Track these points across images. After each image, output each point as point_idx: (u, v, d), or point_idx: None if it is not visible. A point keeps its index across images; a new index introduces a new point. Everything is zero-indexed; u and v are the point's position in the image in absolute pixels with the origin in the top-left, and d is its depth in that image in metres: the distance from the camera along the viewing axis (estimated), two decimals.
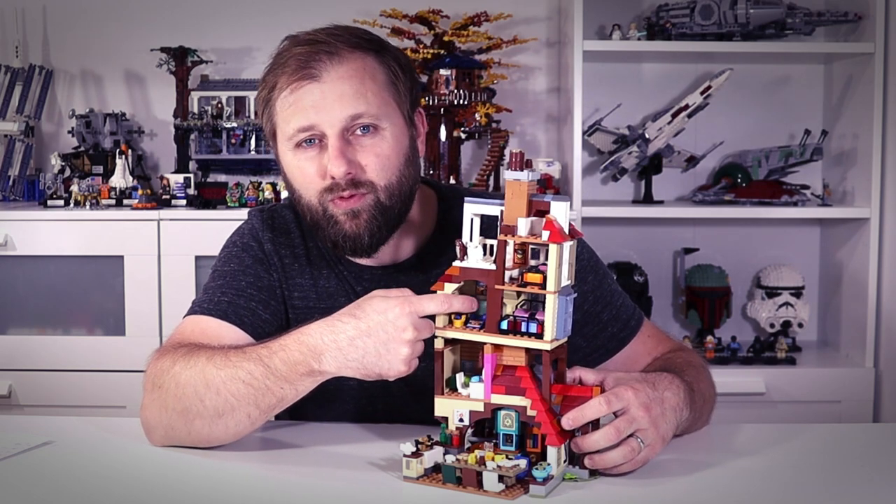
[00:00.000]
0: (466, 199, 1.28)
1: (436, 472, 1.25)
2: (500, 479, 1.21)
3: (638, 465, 1.28)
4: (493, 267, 1.24)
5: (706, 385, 1.50)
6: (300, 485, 1.28)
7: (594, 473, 1.27)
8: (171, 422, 1.39)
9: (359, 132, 1.47)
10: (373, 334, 1.28)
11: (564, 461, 1.25)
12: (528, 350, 1.24)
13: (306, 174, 1.49)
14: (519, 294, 1.25)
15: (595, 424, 1.26)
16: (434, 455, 1.26)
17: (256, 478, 1.32)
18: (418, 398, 1.44)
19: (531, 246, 1.25)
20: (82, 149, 3.07)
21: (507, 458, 1.21)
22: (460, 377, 1.28)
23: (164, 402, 1.38)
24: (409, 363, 1.29)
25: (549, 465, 1.21)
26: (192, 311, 1.55)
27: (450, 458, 1.23)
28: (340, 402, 1.59)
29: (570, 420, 1.24)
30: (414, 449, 1.25)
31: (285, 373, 1.32)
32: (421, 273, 1.57)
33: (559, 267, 1.21)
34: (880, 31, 2.82)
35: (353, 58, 1.48)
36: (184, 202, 2.87)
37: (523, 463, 1.21)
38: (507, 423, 1.25)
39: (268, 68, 1.52)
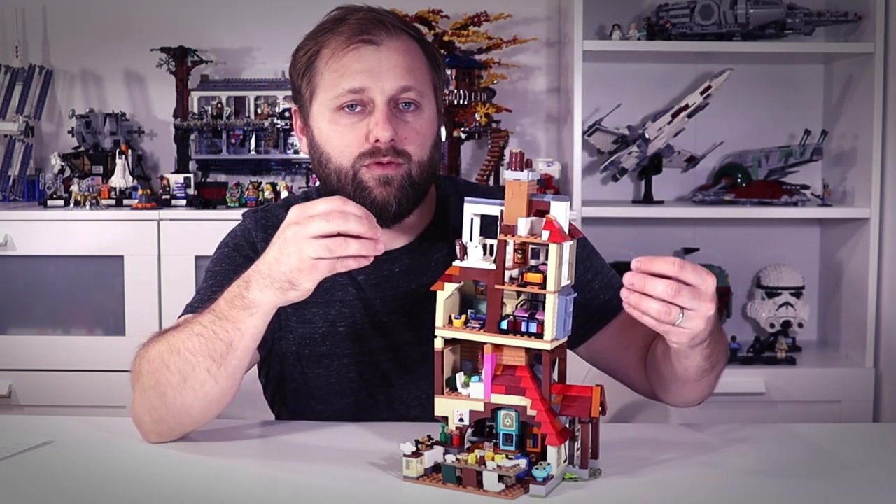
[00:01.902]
0: (466, 199, 1.28)
1: (436, 472, 1.25)
2: (500, 478, 1.21)
3: (660, 330, 1.26)
4: (493, 267, 1.24)
5: (723, 356, 1.51)
6: (300, 484, 1.28)
7: (594, 473, 1.27)
8: (151, 402, 1.39)
9: (402, 107, 1.51)
10: (275, 244, 1.31)
11: (564, 461, 1.25)
12: (528, 350, 1.24)
13: (344, 137, 1.51)
14: (519, 294, 1.25)
15: (595, 429, 1.26)
16: (434, 455, 1.26)
17: (256, 477, 1.32)
18: (417, 384, 1.44)
19: (531, 246, 1.25)
20: (82, 149, 3.07)
21: (507, 458, 1.21)
22: (460, 377, 1.28)
23: (143, 385, 1.40)
24: (308, 262, 1.27)
25: (549, 464, 1.21)
26: (184, 313, 1.57)
27: (450, 458, 1.23)
28: (341, 396, 1.59)
29: (638, 263, 1.23)
30: (414, 449, 1.25)
31: (226, 311, 1.34)
32: (421, 255, 1.58)
33: (559, 267, 1.21)
34: (880, 31, 2.82)
35: (405, 37, 1.53)
36: (184, 202, 2.87)
37: (523, 463, 1.21)
38: (507, 423, 1.25)
39: (312, 34, 1.55)
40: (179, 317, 1.56)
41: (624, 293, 1.24)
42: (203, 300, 1.55)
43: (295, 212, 1.29)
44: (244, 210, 1.72)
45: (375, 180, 1.50)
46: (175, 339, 1.38)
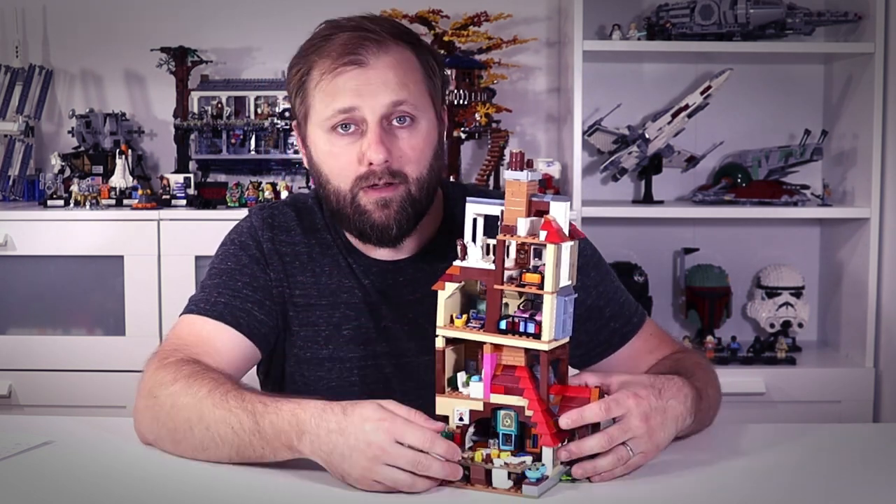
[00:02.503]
0: (468, 199, 1.28)
1: None
2: (508, 475, 1.21)
3: (629, 471, 1.28)
4: (493, 267, 1.24)
5: (714, 390, 1.50)
6: (302, 485, 1.28)
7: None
8: (160, 433, 1.39)
9: (396, 122, 1.49)
10: (346, 435, 1.24)
11: (562, 462, 1.25)
12: (527, 350, 1.24)
13: (340, 160, 1.50)
14: (521, 294, 1.25)
15: (595, 427, 1.27)
16: None
17: (257, 478, 1.32)
18: (419, 392, 1.44)
19: (533, 246, 1.25)
20: (82, 149, 3.07)
21: (511, 455, 1.22)
22: (461, 376, 1.28)
23: (158, 415, 1.39)
24: (369, 481, 1.22)
25: (542, 465, 1.21)
26: (188, 310, 1.55)
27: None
28: (340, 400, 1.59)
29: (568, 420, 1.24)
30: None
31: (270, 437, 1.29)
32: (427, 265, 1.57)
33: (557, 267, 1.21)
34: (880, 31, 2.82)
35: (396, 49, 1.50)
36: (184, 202, 2.87)
37: (529, 460, 1.22)
38: (506, 423, 1.25)
39: (302, 51, 1.53)
40: (181, 315, 1.56)
41: (576, 471, 1.25)
42: (209, 300, 1.54)
43: (382, 432, 1.21)
44: (250, 208, 1.71)
45: (374, 204, 1.49)
46: (208, 411, 1.33)
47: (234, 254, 1.60)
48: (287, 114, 2.99)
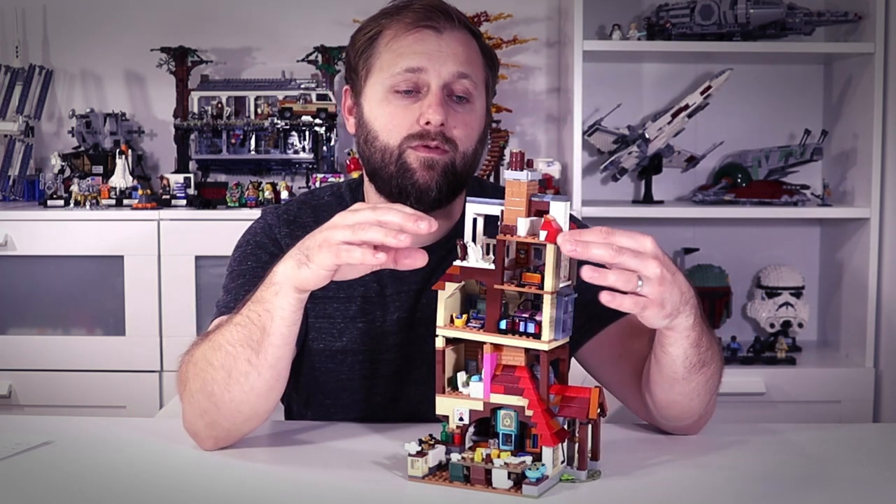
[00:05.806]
0: (468, 199, 1.28)
1: (440, 471, 1.25)
2: (508, 475, 1.21)
3: (638, 308, 1.24)
4: (493, 266, 1.24)
5: (716, 352, 1.47)
6: (304, 485, 1.28)
7: (593, 475, 1.27)
8: (200, 406, 1.38)
9: (455, 99, 1.53)
10: (314, 233, 1.30)
11: (563, 462, 1.25)
12: (527, 350, 1.24)
13: (395, 117, 1.52)
14: (521, 294, 1.25)
15: (587, 427, 1.26)
16: (437, 454, 1.26)
17: (260, 478, 1.32)
18: (426, 382, 1.44)
19: (533, 246, 1.25)
20: (82, 149, 3.07)
21: (511, 455, 1.22)
22: (461, 376, 1.28)
23: (190, 390, 1.39)
24: (329, 240, 1.25)
25: (543, 465, 1.21)
26: (218, 314, 1.55)
27: (456, 457, 1.24)
28: (350, 392, 1.60)
29: (566, 240, 1.19)
30: (419, 448, 1.25)
31: (259, 294, 1.33)
32: (447, 254, 1.58)
33: (557, 267, 1.21)
34: (880, 31, 2.82)
35: (467, 32, 1.57)
36: (184, 202, 2.88)
37: (529, 460, 1.22)
38: (506, 423, 1.25)
39: (373, 18, 1.57)
40: (212, 320, 1.55)
41: (585, 272, 1.20)
42: (236, 300, 1.52)
43: (339, 215, 1.28)
44: (264, 207, 1.71)
45: (420, 162, 1.50)
46: (217, 334, 1.37)
47: (253, 253, 1.61)
48: (287, 114, 3.00)
